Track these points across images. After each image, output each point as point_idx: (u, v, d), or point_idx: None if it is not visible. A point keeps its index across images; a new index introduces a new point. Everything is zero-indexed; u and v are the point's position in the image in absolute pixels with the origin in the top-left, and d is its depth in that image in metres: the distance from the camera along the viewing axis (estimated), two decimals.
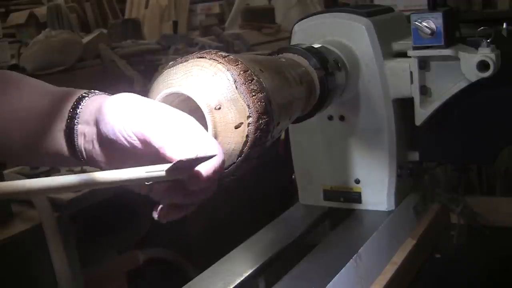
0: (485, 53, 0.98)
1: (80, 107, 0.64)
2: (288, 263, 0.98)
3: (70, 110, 0.64)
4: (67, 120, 0.64)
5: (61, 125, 0.65)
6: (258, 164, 0.67)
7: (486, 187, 1.81)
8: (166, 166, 0.54)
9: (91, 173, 0.54)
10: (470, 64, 0.99)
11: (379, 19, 1.09)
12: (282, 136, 1.20)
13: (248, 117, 0.63)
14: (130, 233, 1.81)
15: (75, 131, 0.64)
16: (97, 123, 0.61)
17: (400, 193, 1.14)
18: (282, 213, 1.18)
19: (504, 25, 1.07)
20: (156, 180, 0.56)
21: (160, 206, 0.60)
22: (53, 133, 0.65)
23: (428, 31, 1.00)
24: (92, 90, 0.67)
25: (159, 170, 0.53)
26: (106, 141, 0.61)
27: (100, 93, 0.67)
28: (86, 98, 0.65)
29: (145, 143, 0.57)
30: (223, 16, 4.41)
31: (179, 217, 0.62)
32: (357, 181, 1.13)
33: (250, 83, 0.63)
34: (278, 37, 3.27)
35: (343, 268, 0.91)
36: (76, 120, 0.64)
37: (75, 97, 0.65)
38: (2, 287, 1.34)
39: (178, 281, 0.92)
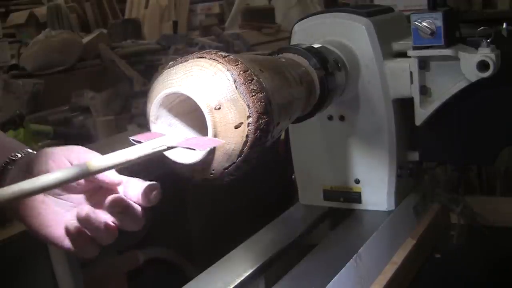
0: (485, 53, 0.98)
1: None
2: (288, 263, 0.98)
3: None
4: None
5: None
6: (258, 164, 0.67)
7: (486, 187, 1.81)
8: (166, 141, 0.62)
9: (93, 159, 0.58)
10: (470, 64, 0.99)
11: (379, 19, 1.09)
12: (282, 136, 1.20)
13: (248, 117, 0.63)
14: (130, 233, 1.80)
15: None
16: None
17: (400, 193, 1.14)
18: (282, 213, 1.18)
19: (504, 25, 1.07)
20: (159, 153, 0.62)
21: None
22: None
23: (428, 31, 1.00)
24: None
25: (162, 145, 0.62)
26: None
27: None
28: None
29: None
30: (223, 16, 4.41)
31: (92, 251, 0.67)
32: (357, 181, 1.13)
33: (250, 83, 0.63)
34: (278, 37, 3.27)
35: (343, 268, 0.91)
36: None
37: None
38: (2, 287, 1.34)
39: (178, 281, 0.92)
